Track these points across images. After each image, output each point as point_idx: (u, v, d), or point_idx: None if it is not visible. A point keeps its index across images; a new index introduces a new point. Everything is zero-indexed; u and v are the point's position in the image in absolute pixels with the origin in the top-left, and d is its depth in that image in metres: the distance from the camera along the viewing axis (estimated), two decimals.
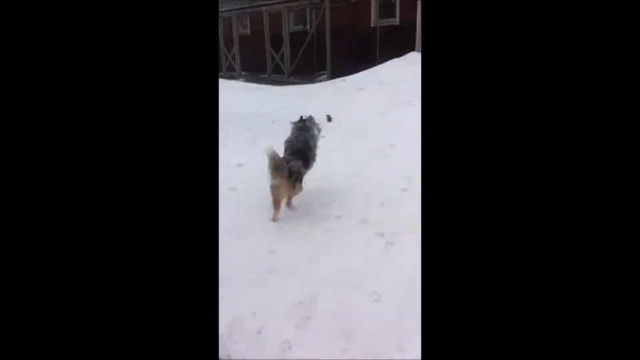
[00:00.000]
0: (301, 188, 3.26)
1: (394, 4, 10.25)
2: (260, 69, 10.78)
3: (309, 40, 9.92)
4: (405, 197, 3.35)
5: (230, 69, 12.43)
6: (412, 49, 9.28)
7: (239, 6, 12.28)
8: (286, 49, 10.06)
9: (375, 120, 5.13)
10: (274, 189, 3.09)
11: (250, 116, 6.10)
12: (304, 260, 2.69)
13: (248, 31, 12.74)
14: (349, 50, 10.11)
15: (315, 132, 3.56)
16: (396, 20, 10.34)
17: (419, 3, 9.42)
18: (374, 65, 8.47)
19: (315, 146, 3.46)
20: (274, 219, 3.20)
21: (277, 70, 10.47)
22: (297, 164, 3.18)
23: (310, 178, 3.88)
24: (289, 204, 3.33)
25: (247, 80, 10.53)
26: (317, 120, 3.68)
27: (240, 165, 4.36)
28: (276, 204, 3.17)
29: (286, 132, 5.04)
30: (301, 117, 3.60)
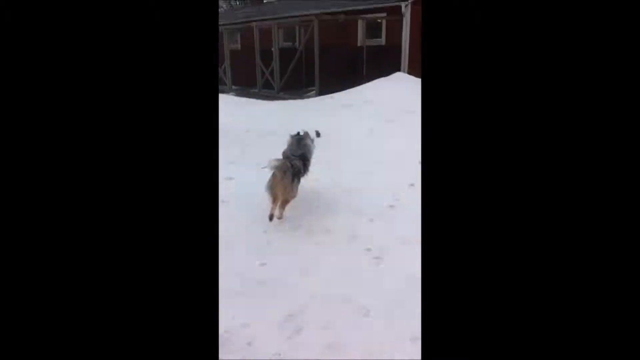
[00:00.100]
0: (296, 192, 3.37)
1: (380, 24, 10.53)
2: (250, 83, 10.88)
3: (298, 57, 10.08)
4: (392, 214, 3.42)
5: (221, 83, 12.52)
6: (398, 69, 9.53)
7: (230, 21, 12.42)
8: (276, 64, 10.19)
9: (362, 138, 5.24)
10: (274, 180, 3.25)
11: (240, 130, 6.15)
12: (293, 273, 2.74)
13: (239, 46, 12.87)
14: (337, 68, 10.30)
15: (310, 144, 3.74)
16: (382, 41, 10.61)
17: (403, 26, 9.71)
18: (361, 83, 8.65)
19: (310, 157, 3.64)
20: (272, 215, 3.32)
21: (267, 85, 10.58)
22: (298, 163, 3.36)
23: (300, 192, 3.94)
24: (282, 208, 3.38)
25: (238, 95, 10.60)
26: (311, 136, 3.85)
27: (229, 178, 4.39)
28: (274, 199, 3.31)
29: (276, 146, 5.12)
30: (298, 132, 3.80)
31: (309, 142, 3.73)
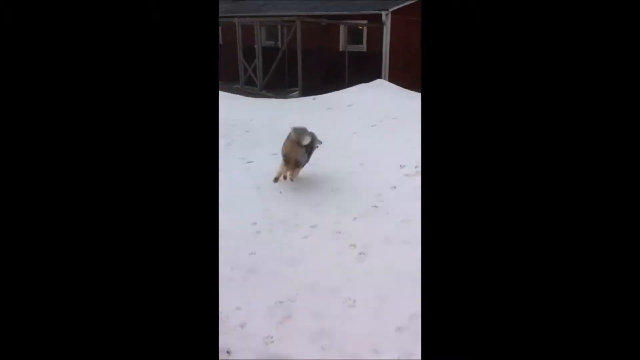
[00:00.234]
0: (307, 159, 4.03)
1: (362, 31, 10.76)
2: (232, 79, 10.86)
3: (281, 57, 10.16)
4: (376, 213, 3.58)
5: None
6: (379, 76, 9.75)
7: None
8: (259, 62, 10.23)
9: (346, 140, 5.38)
10: (290, 143, 3.88)
11: (224, 124, 6.18)
12: (282, 264, 2.85)
13: (220, 41, 12.83)
14: (319, 71, 10.45)
15: (315, 144, 4.13)
16: (363, 47, 10.84)
17: (384, 34, 9.97)
18: (342, 87, 8.81)
19: (312, 149, 4.15)
20: (277, 178, 3.96)
21: (250, 82, 10.60)
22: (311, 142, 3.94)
23: (288, 188, 4.06)
24: (293, 170, 4.04)
25: (221, 89, 10.55)
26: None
27: None
28: (287, 162, 3.94)
29: (261, 142, 5.20)
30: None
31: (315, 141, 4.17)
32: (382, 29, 10.08)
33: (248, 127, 6.11)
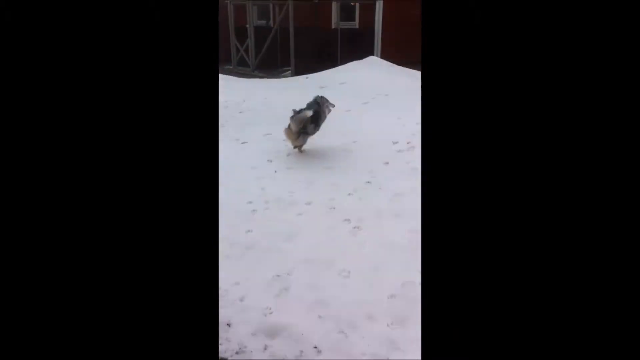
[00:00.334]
0: (303, 142, 4.41)
1: (354, 8, 10.66)
2: (225, 60, 10.79)
3: (273, 36, 10.08)
4: (368, 189, 3.65)
5: None
6: (371, 53, 9.70)
7: None
8: (251, 42, 10.16)
9: (339, 118, 5.40)
10: (288, 131, 4.34)
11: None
12: (278, 240, 2.93)
13: None
14: (312, 50, 10.38)
15: (325, 109, 4.56)
16: (356, 24, 10.75)
17: (377, 11, 9.88)
18: (335, 66, 8.78)
19: (323, 117, 4.52)
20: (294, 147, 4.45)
21: (242, 63, 10.54)
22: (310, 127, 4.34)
23: (283, 167, 4.13)
24: (299, 148, 4.47)
25: None
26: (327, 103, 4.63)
27: None
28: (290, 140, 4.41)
29: (254, 122, 5.25)
30: (316, 97, 4.60)
31: (324, 106, 4.55)
32: (374, 5, 9.98)
33: (241, 108, 6.13)
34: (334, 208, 3.35)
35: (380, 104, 5.88)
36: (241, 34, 10.37)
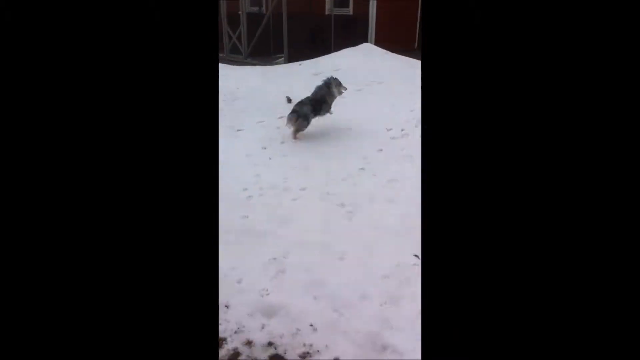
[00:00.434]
0: (305, 125, 4.56)
1: None
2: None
3: (266, 23, 10.03)
4: (362, 174, 3.71)
5: None
6: (365, 40, 9.69)
7: None
8: (243, 29, 10.11)
9: (333, 105, 5.45)
10: (288, 122, 4.53)
11: None
12: (274, 224, 2.99)
13: None
14: (305, 36, 10.34)
15: (334, 90, 4.71)
16: (350, 11, 10.70)
17: None
18: (329, 52, 8.78)
19: (328, 100, 4.69)
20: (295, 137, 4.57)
21: (235, 50, 10.50)
22: (306, 109, 4.51)
23: (277, 154, 4.17)
24: (295, 135, 4.58)
25: None
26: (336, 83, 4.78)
27: None
28: (292, 133, 4.57)
29: (248, 111, 5.29)
30: (328, 78, 4.77)
31: (333, 88, 4.71)
32: None
33: (235, 96, 6.15)
34: (329, 193, 3.41)
35: (374, 91, 5.92)
36: (233, 21, 10.31)
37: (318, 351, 1.97)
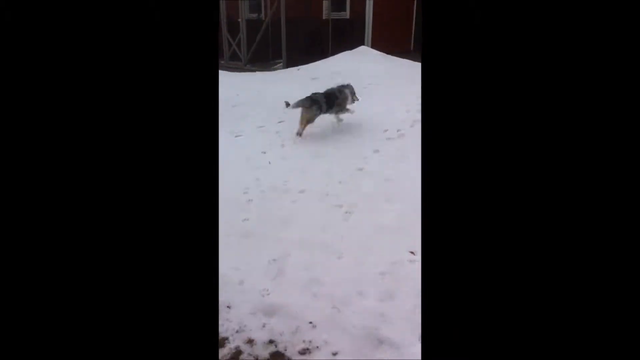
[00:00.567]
0: (316, 115, 4.67)
1: None
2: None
3: (265, 29, 10.15)
4: (360, 175, 3.78)
5: None
6: (362, 43, 9.79)
7: None
8: (243, 35, 10.23)
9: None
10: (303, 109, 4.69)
11: None
12: (274, 226, 3.06)
13: None
14: (303, 41, 10.45)
15: (347, 92, 4.85)
16: (347, 14, 10.81)
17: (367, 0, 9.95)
18: (327, 56, 8.87)
19: (339, 100, 4.79)
20: (299, 134, 4.70)
21: (234, 57, 10.63)
22: (320, 99, 4.65)
23: (277, 157, 4.25)
24: (303, 126, 4.71)
25: None
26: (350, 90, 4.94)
27: None
28: (301, 122, 4.71)
29: (249, 116, 5.37)
30: (343, 85, 4.93)
31: (346, 93, 4.85)
32: None
33: (234, 102, 6.24)
34: (327, 194, 3.48)
35: (371, 93, 5.99)
36: (233, 28, 10.43)
37: (317, 347, 2.04)
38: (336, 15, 10.79)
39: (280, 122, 5.33)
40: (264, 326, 2.19)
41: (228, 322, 2.23)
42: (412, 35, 10.93)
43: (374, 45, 9.53)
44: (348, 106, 4.98)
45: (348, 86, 4.87)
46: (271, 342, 2.09)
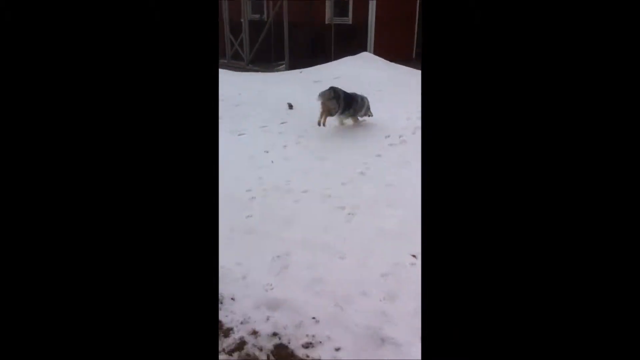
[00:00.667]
0: (335, 109, 4.78)
1: (347, 3, 10.82)
2: (219, 54, 10.91)
3: (267, 30, 10.21)
4: (362, 179, 3.84)
5: None
6: (364, 49, 9.88)
7: None
8: (245, 36, 10.28)
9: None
10: (324, 103, 4.81)
11: None
12: (277, 225, 3.11)
13: None
14: (305, 44, 10.53)
15: (366, 103, 5.04)
16: (349, 20, 10.91)
17: (370, 6, 10.05)
18: (329, 61, 8.95)
19: (357, 106, 4.96)
20: (320, 123, 4.85)
21: (237, 56, 10.67)
22: (340, 92, 4.79)
23: (279, 157, 4.30)
24: (324, 117, 4.85)
25: None
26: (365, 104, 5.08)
27: None
28: (322, 112, 4.83)
29: (251, 116, 5.41)
30: (363, 95, 5.08)
31: (366, 101, 5.05)
32: (368, 1, 10.14)
33: (237, 102, 6.28)
34: (330, 196, 3.53)
35: (373, 99, 6.06)
36: (235, 28, 10.49)
37: (320, 342, 2.09)
38: (339, 20, 10.88)
39: (282, 123, 5.39)
40: (267, 319, 2.23)
41: (232, 314, 2.28)
42: (415, 43, 11.04)
43: (376, 52, 9.62)
44: (359, 116, 5.05)
45: (366, 99, 5.02)
46: (275, 334, 2.14)
